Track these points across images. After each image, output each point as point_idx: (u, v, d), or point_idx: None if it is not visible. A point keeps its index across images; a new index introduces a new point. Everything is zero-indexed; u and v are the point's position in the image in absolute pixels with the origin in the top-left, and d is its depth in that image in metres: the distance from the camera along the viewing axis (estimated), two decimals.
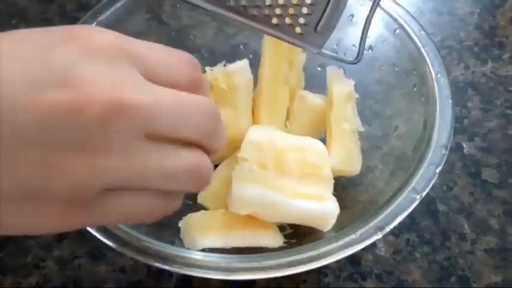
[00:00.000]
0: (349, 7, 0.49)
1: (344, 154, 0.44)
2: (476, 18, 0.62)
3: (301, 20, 0.35)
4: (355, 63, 0.37)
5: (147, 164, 0.23)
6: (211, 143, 0.27)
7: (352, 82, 0.46)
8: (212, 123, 0.26)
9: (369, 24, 0.37)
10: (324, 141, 0.43)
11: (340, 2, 0.35)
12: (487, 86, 0.56)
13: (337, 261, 0.36)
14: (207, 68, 0.46)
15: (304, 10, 0.34)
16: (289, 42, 0.35)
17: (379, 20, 0.47)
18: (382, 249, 0.45)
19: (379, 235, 0.36)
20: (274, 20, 0.34)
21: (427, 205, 0.48)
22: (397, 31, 0.46)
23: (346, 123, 0.44)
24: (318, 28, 0.35)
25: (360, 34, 0.35)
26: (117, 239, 0.36)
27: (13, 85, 0.20)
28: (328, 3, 0.35)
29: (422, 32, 0.46)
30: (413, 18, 0.47)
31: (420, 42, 0.45)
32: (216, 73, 0.45)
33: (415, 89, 0.45)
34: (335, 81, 0.45)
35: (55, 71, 0.20)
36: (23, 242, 0.46)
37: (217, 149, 0.28)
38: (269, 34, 0.35)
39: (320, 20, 0.35)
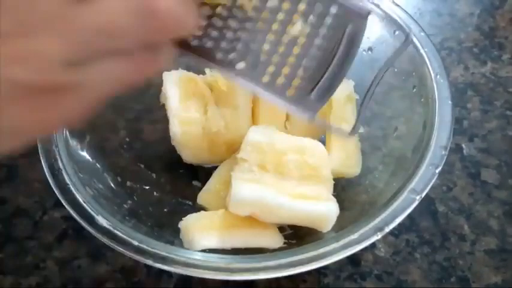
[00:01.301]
0: None
1: (344, 155, 0.44)
2: (476, 20, 0.62)
3: (296, 82, 0.30)
4: (351, 136, 0.33)
5: (85, 24, 0.21)
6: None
7: (351, 83, 0.46)
8: None
9: (369, 100, 0.33)
10: (323, 142, 0.43)
11: (342, 68, 0.30)
12: (487, 87, 0.56)
13: (337, 262, 0.36)
14: (207, 70, 0.46)
15: (300, 72, 0.30)
16: (279, 105, 0.31)
17: (378, 21, 0.47)
18: (382, 249, 0.45)
19: (379, 236, 0.36)
20: (265, 78, 0.30)
21: (427, 206, 0.48)
22: (397, 32, 0.46)
23: (346, 124, 0.44)
24: (314, 93, 0.30)
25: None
26: (117, 239, 0.36)
27: None
28: (328, 67, 0.30)
29: (422, 33, 0.46)
30: (413, 19, 0.47)
31: (420, 43, 0.45)
32: (216, 74, 0.45)
33: (414, 90, 0.45)
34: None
35: None
36: (23, 242, 0.46)
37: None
38: (258, 93, 0.30)
39: (317, 84, 0.30)
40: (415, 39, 0.45)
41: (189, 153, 0.46)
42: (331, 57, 0.30)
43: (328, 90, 0.30)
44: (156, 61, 0.25)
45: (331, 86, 0.30)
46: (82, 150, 0.43)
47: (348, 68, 0.30)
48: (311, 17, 0.29)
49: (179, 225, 0.40)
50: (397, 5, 0.47)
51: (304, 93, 0.30)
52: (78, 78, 0.22)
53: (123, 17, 0.22)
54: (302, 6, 0.29)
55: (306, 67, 0.30)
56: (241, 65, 0.30)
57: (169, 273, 0.44)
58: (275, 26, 0.30)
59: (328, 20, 0.30)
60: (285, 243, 0.41)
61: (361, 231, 0.36)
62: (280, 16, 0.29)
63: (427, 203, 0.48)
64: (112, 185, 0.43)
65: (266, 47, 0.30)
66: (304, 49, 0.30)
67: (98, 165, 0.43)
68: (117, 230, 0.36)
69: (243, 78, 0.30)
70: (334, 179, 0.41)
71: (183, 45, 0.28)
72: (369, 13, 0.30)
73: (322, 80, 0.30)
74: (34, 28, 0.21)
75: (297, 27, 0.30)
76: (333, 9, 0.29)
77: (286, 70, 0.30)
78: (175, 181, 0.47)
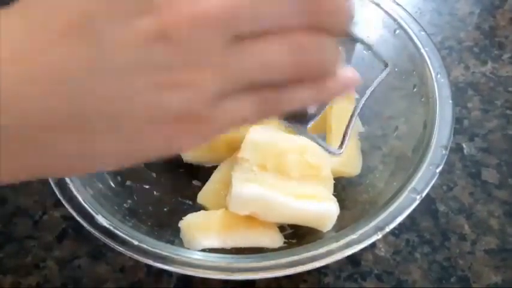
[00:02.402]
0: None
1: (344, 155, 0.44)
2: (476, 19, 0.62)
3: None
4: (337, 155, 0.33)
5: (245, 63, 0.22)
6: (323, 18, 0.23)
7: None
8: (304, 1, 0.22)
9: (355, 120, 0.34)
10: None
11: None
12: (487, 87, 0.56)
13: (337, 261, 0.36)
14: None
15: None
16: (316, 142, 0.32)
17: (379, 20, 0.47)
18: (382, 249, 0.45)
19: (379, 235, 0.36)
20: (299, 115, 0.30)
21: (427, 205, 0.48)
22: (397, 31, 0.46)
23: (346, 124, 0.44)
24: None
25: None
26: (117, 238, 0.36)
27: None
28: None
29: (423, 33, 0.46)
30: (414, 18, 0.47)
31: (420, 42, 0.45)
32: None
33: (415, 90, 0.45)
34: None
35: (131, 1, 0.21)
36: (23, 242, 0.46)
37: (338, 21, 0.24)
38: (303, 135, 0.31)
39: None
40: (415, 39, 0.45)
41: (189, 153, 0.46)
42: None
43: (319, 105, 0.31)
44: (284, 102, 0.25)
45: (323, 102, 0.31)
46: None
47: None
48: None
49: (179, 225, 0.40)
50: (398, 4, 0.47)
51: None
52: (223, 108, 0.23)
53: (286, 53, 0.23)
54: None
55: None
56: None
57: (169, 273, 0.43)
58: None
59: None
60: (285, 242, 0.41)
61: (362, 230, 0.36)
62: None
63: (428, 202, 0.48)
64: (112, 184, 0.43)
65: None
66: None
67: None
68: (117, 230, 0.36)
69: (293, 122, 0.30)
70: (335, 179, 0.41)
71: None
72: (356, 39, 0.31)
73: None
74: (196, 60, 0.21)
75: None
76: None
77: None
78: (175, 181, 0.47)
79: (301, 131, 0.31)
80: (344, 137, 0.34)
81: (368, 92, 0.35)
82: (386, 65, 0.35)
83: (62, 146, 0.22)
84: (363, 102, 0.35)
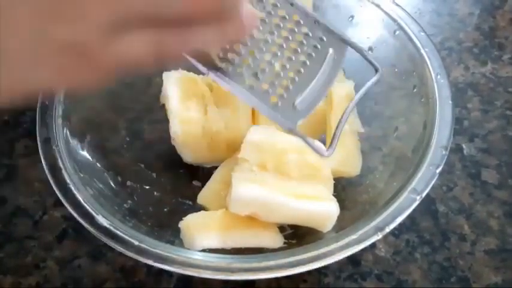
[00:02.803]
0: (350, 8, 0.49)
1: (344, 155, 0.44)
2: (476, 19, 0.62)
3: (280, 91, 0.31)
4: (325, 156, 0.33)
5: None
6: None
7: (352, 83, 0.46)
8: None
9: (344, 123, 0.35)
10: (324, 141, 0.43)
11: (323, 86, 0.32)
12: (487, 87, 0.56)
13: (337, 262, 0.36)
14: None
15: (285, 83, 0.31)
16: (261, 110, 0.32)
17: (379, 21, 0.47)
18: (382, 249, 0.45)
19: (379, 235, 0.36)
20: (250, 81, 0.31)
21: (427, 206, 0.48)
22: (397, 32, 0.46)
23: (346, 124, 0.44)
24: (296, 105, 0.32)
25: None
26: (117, 238, 0.36)
27: None
28: (310, 83, 0.32)
29: (422, 33, 0.46)
30: (413, 19, 0.47)
31: (420, 43, 0.45)
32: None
33: (415, 90, 0.45)
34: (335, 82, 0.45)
35: None
36: (23, 241, 0.46)
37: None
38: (241, 95, 0.31)
39: (300, 97, 0.32)
40: (415, 39, 0.45)
41: (189, 153, 0.46)
42: (314, 74, 0.32)
43: (309, 104, 0.32)
44: (181, 43, 0.25)
45: (313, 101, 0.32)
46: (82, 149, 0.43)
47: (329, 87, 0.32)
48: (299, 37, 0.32)
49: (179, 225, 0.40)
50: (398, 5, 0.47)
51: (287, 104, 0.32)
52: (115, 45, 0.23)
53: None
54: (291, 26, 0.31)
55: (291, 79, 0.32)
56: (224, 65, 0.30)
57: (169, 273, 0.44)
58: (265, 36, 0.31)
59: (314, 41, 0.32)
60: (285, 243, 0.41)
61: (362, 231, 0.36)
62: (271, 28, 0.31)
63: (428, 203, 0.48)
64: (112, 184, 0.43)
65: (254, 52, 0.31)
66: (291, 63, 0.32)
67: (98, 165, 0.43)
68: (117, 230, 0.36)
69: (227, 78, 0.30)
70: (335, 179, 0.41)
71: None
72: (349, 43, 0.33)
73: (304, 94, 0.32)
74: None
75: (286, 43, 0.31)
76: (319, 33, 0.32)
77: (271, 78, 0.31)
78: (175, 181, 0.47)
79: (291, 129, 0.32)
80: (333, 139, 0.34)
81: (357, 98, 0.36)
82: (376, 70, 0.36)
83: None
84: (352, 107, 0.36)
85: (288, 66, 0.31)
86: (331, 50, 0.32)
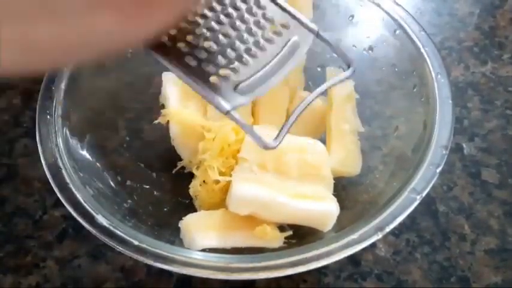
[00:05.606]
0: (350, 7, 0.49)
1: (344, 154, 0.44)
2: (476, 19, 0.62)
3: (223, 72, 0.28)
4: (270, 148, 0.30)
5: None
6: None
7: (352, 83, 0.46)
8: None
9: (297, 115, 0.31)
10: (324, 141, 0.43)
11: (276, 74, 0.29)
12: (487, 87, 0.56)
13: (337, 262, 0.36)
14: None
15: (231, 64, 0.28)
16: (198, 91, 0.29)
17: (379, 20, 0.47)
18: (382, 249, 0.45)
19: (379, 235, 0.36)
20: (188, 59, 0.28)
21: (427, 205, 0.48)
22: (397, 32, 0.46)
23: (346, 123, 0.44)
24: (239, 88, 0.29)
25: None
26: (117, 238, 0.36)
27: None
28: (262, 69, 0.29)
29: (423, 33, 0.46)
30: (414, 18, 0.47)
31: (420, 42, 0.45)
32: None
33: (415, 90, 0.45)
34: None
35: None
36: (22, 241, 0.46)
37: None
38: (176, 73, 0.28)
39: (246, 81, 0.29)
40: (415, 39, 0.45)
41: (189, 153, 0.46)
42: (268, 60, 0.29)
43: (257, 90, 0.29)
44: (148, 22, 0.23)
45: (260, 88, 0.29)
46: (82, 149, 0.43)
47: (282, 76, 0.30)
48: (259, 18, 0.29)
49: (179, 225, 0.40)
50: (398, 5, 0.47)
51: (229, 86, 0.29)
52: None
53: None
54: (250, 6, 0.29)
55: (241, 61, 0.29)
56: (170, 43, 0.28)
57: (169, 273, 0.44)
58: (220, 16, 0.29)
59: (277, 27, 0.29)
60: (285, 242, 0.41)
61: (362, 231, 0.36)
62: (228, 10, 0.29)
63: (428, 202, 0.48)
64: (112, 184, 0.43)
65: (200, 30, 0.28)
66: (244, 45, 0.29)
67: (98, 165, 0.43)
68: (117, 230, 0.36)
69: (169, 57, 0.28)
70: (335, 179, 0.41)
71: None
72: (316, 34, 0.30)
73: (252, 78, 0.29)
74: None
75: (243, 24, 0.29)
76: (284, 19, 0.29)
77: (215, 58, 0.28)
78: (175, 181, 0.47)
79: (227, 112, 0.29)
80: (281, 130, 0.31)
81: (319, 90, 0.32)
82: (349, 65, 0.33)
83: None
84: (312, 99, 0.32)
85: (242, 47, 0.29)
86: (294, 38, 0.30)
